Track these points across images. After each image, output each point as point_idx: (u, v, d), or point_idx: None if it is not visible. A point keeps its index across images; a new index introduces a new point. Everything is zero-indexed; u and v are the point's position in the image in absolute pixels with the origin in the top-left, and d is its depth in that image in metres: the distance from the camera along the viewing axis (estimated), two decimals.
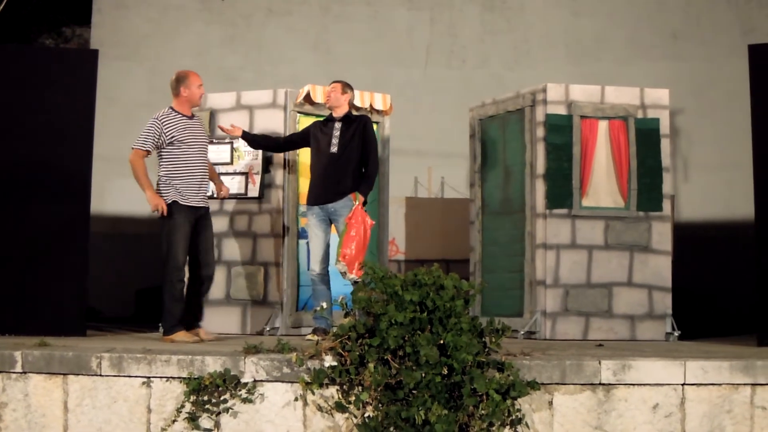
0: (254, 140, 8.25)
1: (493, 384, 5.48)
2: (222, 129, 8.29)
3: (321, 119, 8.18)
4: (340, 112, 7.92)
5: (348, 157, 7.81)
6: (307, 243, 8.71)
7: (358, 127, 7.89)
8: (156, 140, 7.34)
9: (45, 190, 7.74)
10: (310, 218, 7.89)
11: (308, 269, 8.06)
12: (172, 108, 7.52)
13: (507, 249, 8.90)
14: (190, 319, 7.49)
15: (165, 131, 7.36)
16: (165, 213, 7.29)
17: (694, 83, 12.56)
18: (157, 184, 7.41)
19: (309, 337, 7.27)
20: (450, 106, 12.55)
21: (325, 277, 7.80)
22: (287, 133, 8.58)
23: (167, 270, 7.31)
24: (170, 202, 7.34)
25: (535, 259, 8.50)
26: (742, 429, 5.84)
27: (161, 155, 7.43)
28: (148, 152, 7.37)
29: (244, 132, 8.19)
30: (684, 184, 12.67)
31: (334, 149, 7.80)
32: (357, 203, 7.64)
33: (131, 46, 13.54)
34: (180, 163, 7.41)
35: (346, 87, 8.00)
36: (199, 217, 7.51)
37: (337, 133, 7.84)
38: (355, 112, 8.23)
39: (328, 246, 7.87)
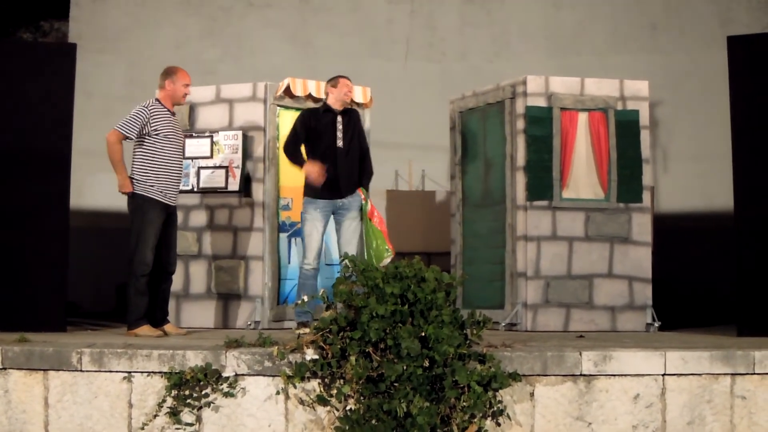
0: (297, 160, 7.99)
1: (474, 376, 5.49)
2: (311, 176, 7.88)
3: (308, 110, 8.14)
4: (340, 106, 7.93)
5: (353, 151, 7.90)
6: (289, 236, 8.72)
7: (354, 120, 8.01)
8: (141, 128, 7.30)
9: (23, 184, 7.69)
10: (312, 212, 7.81)
11: (302, 263, 7.93)
12: (157, 100, 7.50)
13: (488, 241, 8.92)
14: (159, 316, 7.48)
15: (151, 121, 7.33)
16: (132, 191, 7.30)
17: (673, 75, 12.60)
18: (132, 175, 7.38)
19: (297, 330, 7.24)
20: (430, 99, 12.55)
21: (317, 271, 7.81)
22: (267, 126, 8.58)
23: (133, 264, 7.29)
24: (148, 196, 7.31)
25: (516, 251, 8.52)
26: (722, 418, 5.87)
27: (140, 146, 7.39)
28: (126, 138, 7.33)
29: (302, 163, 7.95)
30: (663, 175, 12.71)
31: (340, 143, 7.82)
32: (369, 199, 7.91)
33: (109, 39, 13.47)
34: (159, 157, 7.37)
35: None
36: (168, 213, 7.50)
37: (340, 126, 7.87)
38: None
39: (323, 241, 7.90)
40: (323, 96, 8.73)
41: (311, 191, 7.83)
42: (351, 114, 8.04)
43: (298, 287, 7.88)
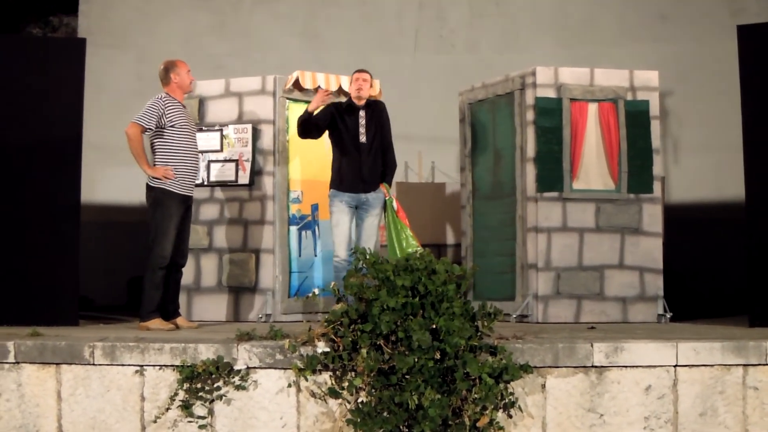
0: (311, 122, 7.93)
1: (485, 368, 5.49)
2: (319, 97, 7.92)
3: (336, 102, 8.16)
4: (362, 101, 7.92)
5: (376, 147, 7.90)
6: (299, 229, 8.73)
7: (377, 114, 7.97)
8: (158, 119, 7.34)
9: (35, 180, 7.72)
10: (338, 204, 7.85)
11: (333, 256, 7.93)
12: (167, 94, 7.54)
13: (498, 233, 8.91)
14: (170, 309, 7.51)
15: (166, 113, 7.38)
16: (172, 176, 7.34)
17: (683, 64, 12.54)
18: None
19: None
20: (439, 91, 12.52)
21: (348, 263, 7.74)
22: (276, 119, 8.59)
23: (152, 257, 7.32)
24: (168, 189, 7.34)
25: (527, 243, 8.51)
26: (735, 409, 5.87)
27: (159, 139, 7.43)
28: (145, 130, 7.35)
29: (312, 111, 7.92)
30: (674, 165, 12.67)
31: (363, 139, 7.85)
32: (393, 195, 7.90)
33: (118, 34, 13.47)
34: (176, 149, 7.43)
35: (373, 79, 8.09)
36: (186, 206, 7.53)
37: (363, 121, 7.89)
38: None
39: (350, 233, 7.89)
40: (333, 89, 8.76)
41: (336, 183, 7.90)
42: (374, 107, 7.99)
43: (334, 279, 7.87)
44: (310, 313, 8.36)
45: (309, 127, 7.96)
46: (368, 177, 7.83)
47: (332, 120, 7.95)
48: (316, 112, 7.88)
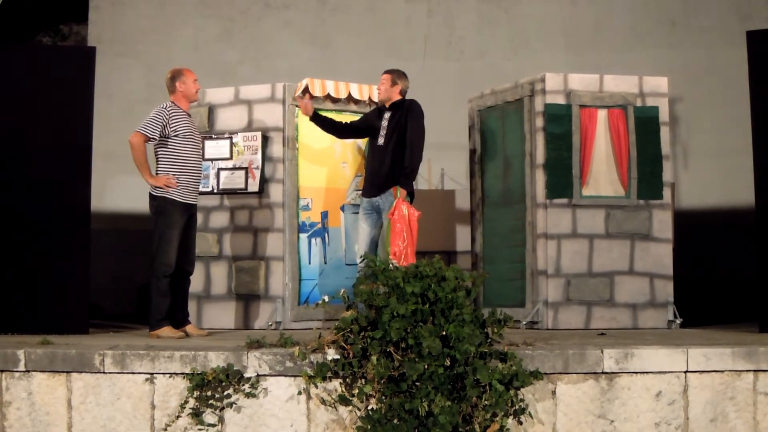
0: (323, 121, 8.16)
1: (495, 374, 5.49)
2: (299, 104, 8.22)
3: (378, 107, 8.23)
4: (387, 103, 7.92)
5: (392, 149, 7.78)
6: (309, 237, 8.74)
7: (402, 115, 7.84)
8: (162, 129, 7.36)
9: (45, 188, 7.74)
10: (360, 211, 7.94)
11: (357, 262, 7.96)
12: (173, 102, 7.56)
13: (508, 239, 8.90)
14: (180, 316, 7.52)
15: (170, 122, 7.40)
16: (175, 185, 7.36)
17: (692, 70, 12.54)
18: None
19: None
20: (449, 98, 12.52)
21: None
22: (286, 127, 8.60)
23: (156, 265, 7.35)
24: (170, 198, 7.36)
25: (536, 249, 8.50)
26: (745, 415, 5.85)
27: (163, 149, 7.45)
28: (149, 139, 7.37)
29: (314, 112, 8.11)
30: (684, 171, 12.65)
31: (381, 141, 7.83)
32: (399, 197, 7.63)
33: (128, 42, 13.52)
34: (180, 158, 7.45)
35: (398, 78, 7.96)
36: (190, 215, 7.54)
37: (385, 123, 7.85)
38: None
39: (375, 239, 7.85)
40: (342, 96, 8.79)
41: (362, 189, 7.99)
42: (399, 108, 7.89)
43: None
44: (320, 321, 8.36)
45: (324, 129, 8.19)
46: (379, 180, 7.78)
47: (368, 123, 8.00)
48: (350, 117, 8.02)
